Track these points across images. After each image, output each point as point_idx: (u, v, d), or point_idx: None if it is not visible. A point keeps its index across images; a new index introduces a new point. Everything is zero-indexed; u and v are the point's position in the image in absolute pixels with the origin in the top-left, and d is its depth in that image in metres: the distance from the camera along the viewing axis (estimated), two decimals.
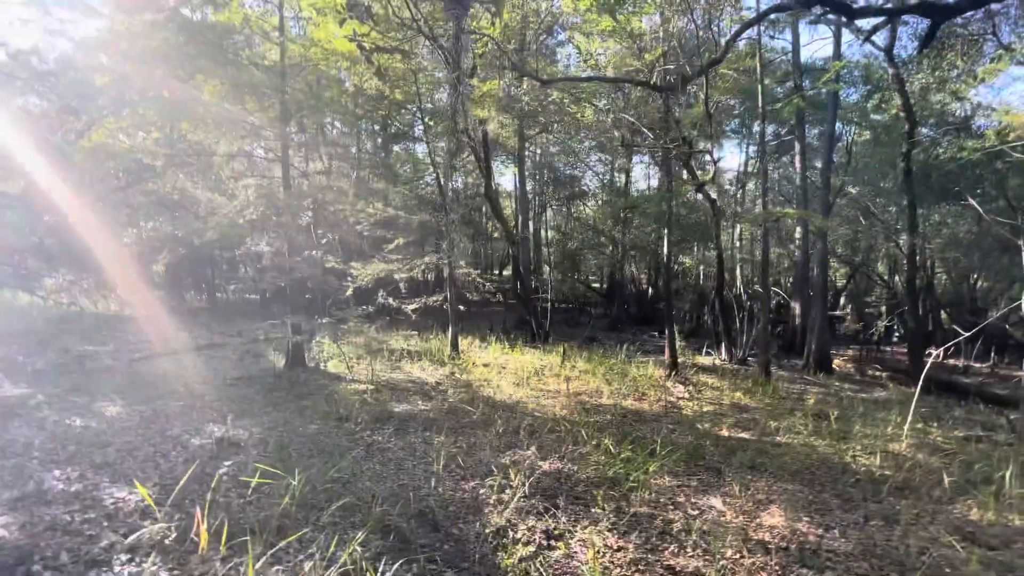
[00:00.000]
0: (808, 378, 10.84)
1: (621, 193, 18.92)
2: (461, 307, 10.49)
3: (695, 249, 20.32)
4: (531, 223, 23.03)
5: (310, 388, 7.00)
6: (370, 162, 14.19)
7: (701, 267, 19.37)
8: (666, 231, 10.01)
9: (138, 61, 6.24)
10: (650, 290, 21.39)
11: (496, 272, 30.18)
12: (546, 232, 24.01)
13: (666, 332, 9.71)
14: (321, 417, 5.79)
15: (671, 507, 4.09)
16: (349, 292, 9.36)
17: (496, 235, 25.35)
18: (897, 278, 18.95)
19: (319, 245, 9.57)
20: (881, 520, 4.08)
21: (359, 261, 9.65)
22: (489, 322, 15.84)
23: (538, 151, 22.05)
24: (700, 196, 10.98)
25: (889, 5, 7.73)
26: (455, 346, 9.94)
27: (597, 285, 27.47)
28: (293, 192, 8.10)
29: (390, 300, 9.39)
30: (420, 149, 21.07)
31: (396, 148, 20.43)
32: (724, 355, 11.74)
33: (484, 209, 22.91)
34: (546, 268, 22.94)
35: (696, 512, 4.06)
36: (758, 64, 9.71)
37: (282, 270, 8.05)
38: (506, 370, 8.64)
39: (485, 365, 9.04)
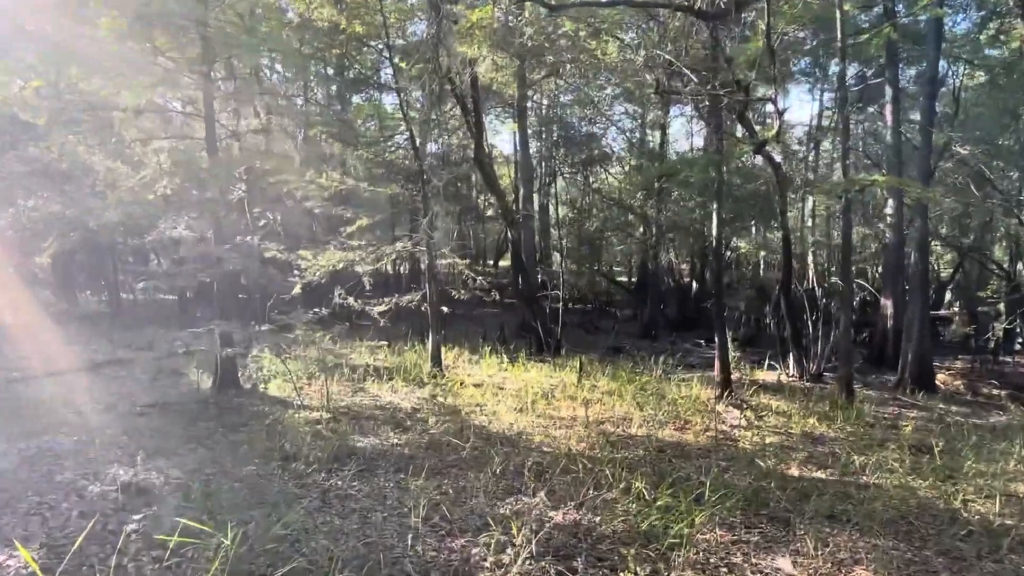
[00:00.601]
0: (903, 399, 10.81)
1: (655, 156, 18.61)
2: (445, 309, 10.35)
3: (754, 230, 19.67)
4: (536, 197, 22.57)
5: (245, 417, 6.98)
6: (322, 118, 14.01)
7: (762, 254, 18.89)
8: (715, 206, 9.77)
9: None
10: (694, 285, 21.07)
11: (490, 263, 29.77)
12: (556, 209, 23.32)
13: (716, 340, 9.55)
14: (261, 455, 5.80)
15: (724, 569, 4.11)
16: (296, 290, 9.23)
17: (490, 213, 24.74)
18: (1020, 266, 18.81)
19: (255, 228, 9.59)
20: None
21: (309, 249, 9.54)
22: (481, 328, 15.71)
23: (545, 102, 21.41)
24: (760, 159, 11.24)
25: None
26: (437, 360, 9.78)
27: (624, 279, 27.03)
28: (220, 158, 8.03)
29: (350, 300, 9.39)
30: (388, 100, 20.67)
31: (356, 99, 19.86)
32: (793, 369, 11.65)
33: (474, 179, 22.14)
34: (556, 257, 22.65)
35: None
36: None
37: (207, 262, 8.03)
38: (504, 391, 8.61)
39: (477, 385, 8.96)
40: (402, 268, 25.23)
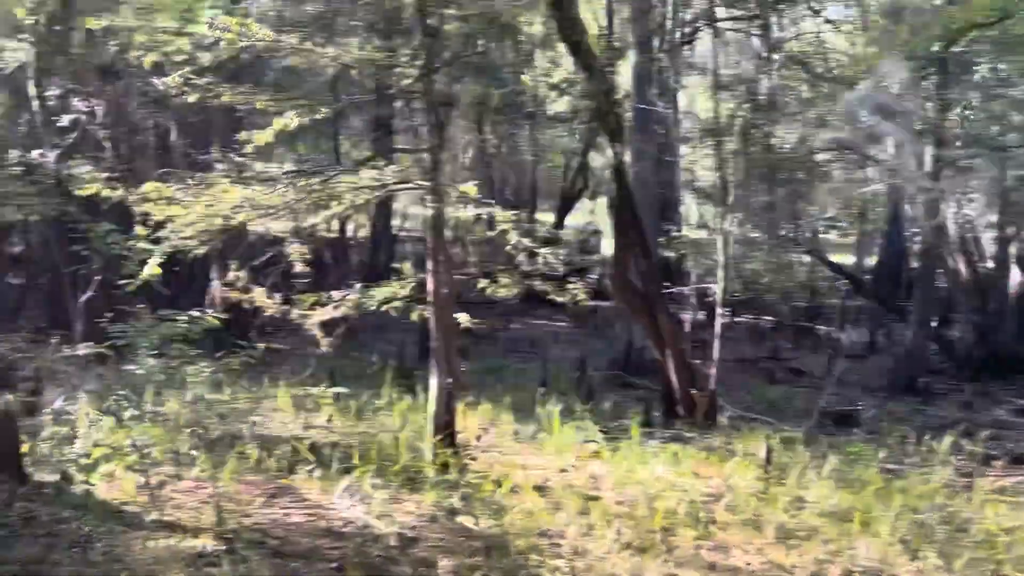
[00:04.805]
0: None
1: None
2: (465, 319, 10.50)
3: None
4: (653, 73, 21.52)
5: (41, 547, 7.03)
6: None
7: None
8: None
9: None
10: (1018, 274, 19.99)
11: (545, 218, 28.54)
12: (713, 90, 20.29)
13: None
14: None
15: None
16: (151, 268, 9.30)
17: (559, 108, 24.26)
18: None
19: (50, 133, 10.31)
20: None
21: (167, 181, 9.45)
22: (537, 362, 16.41)
23: None
24: None
25: None
26: (447, 430, 9.74)
27: (847, 257, 26.75)
28: None
29: (259, 296, 10.14)
30: None
31: None
32: None
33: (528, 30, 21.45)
34: (688, 207, 22.32)
35: None
36: None
37: None
38: (600, 505, 8.56)
39: (538, 489, 8.96)
40: (350, 231, 25.46)
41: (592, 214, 29.32)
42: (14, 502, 7.91)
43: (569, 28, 11.31)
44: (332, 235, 25.61)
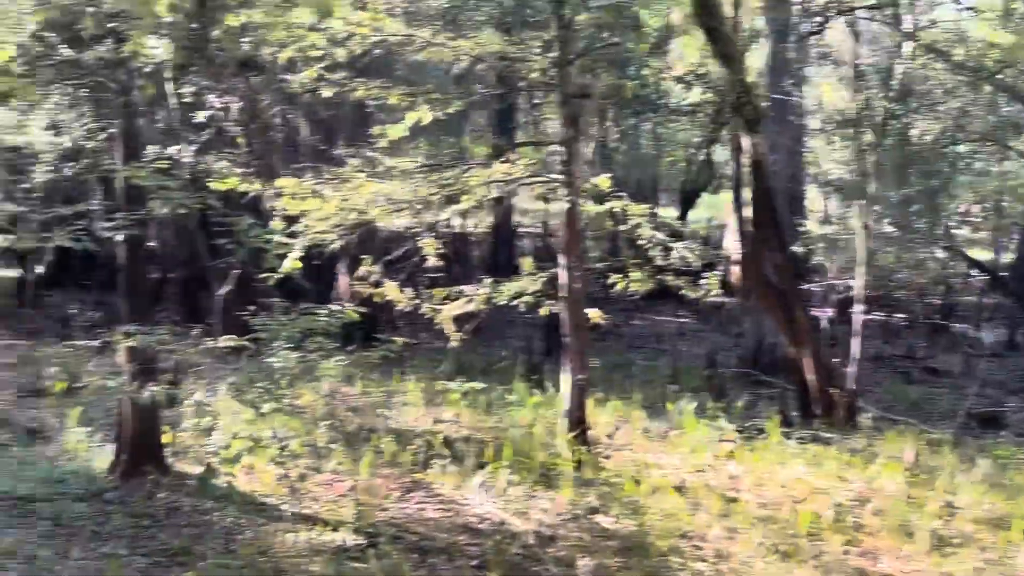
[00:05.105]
0: None
1: None
2: (597, 314, 10.41)
3: None
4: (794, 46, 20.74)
5: (188, 539, 7.31)
6: None
7: None
8: None
9: None
10: None
11: (667, 212, 28.64)
12: (854, 80, 21.24)
13: None
14: None
15: None
16: (291, 263, 9.48)
17: (691, 99, 23.78)
18: None
19: (185, 130, 10.77)
20: None
21: (304, 174, 9.69)
22: (665, 358, 16.44)
23: None
24: None
25: None
26: (579, 427, 9.71)
27: (983, 254, 25.89)
28: None
29: (387, 288, 10.00)
30: None
31: None
32: None
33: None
34: (815, 200, 21.22)
35: None
36: None
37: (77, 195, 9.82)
38: (740, 506, 8.56)
39: (677, 488, 8.99)
40: (470, 227, 25.22)
41: (712, 208, 28.54)
42: (157, 493, 8.23)
43: (707, 15, 11.16)
44: (454, 231, 25.76)
